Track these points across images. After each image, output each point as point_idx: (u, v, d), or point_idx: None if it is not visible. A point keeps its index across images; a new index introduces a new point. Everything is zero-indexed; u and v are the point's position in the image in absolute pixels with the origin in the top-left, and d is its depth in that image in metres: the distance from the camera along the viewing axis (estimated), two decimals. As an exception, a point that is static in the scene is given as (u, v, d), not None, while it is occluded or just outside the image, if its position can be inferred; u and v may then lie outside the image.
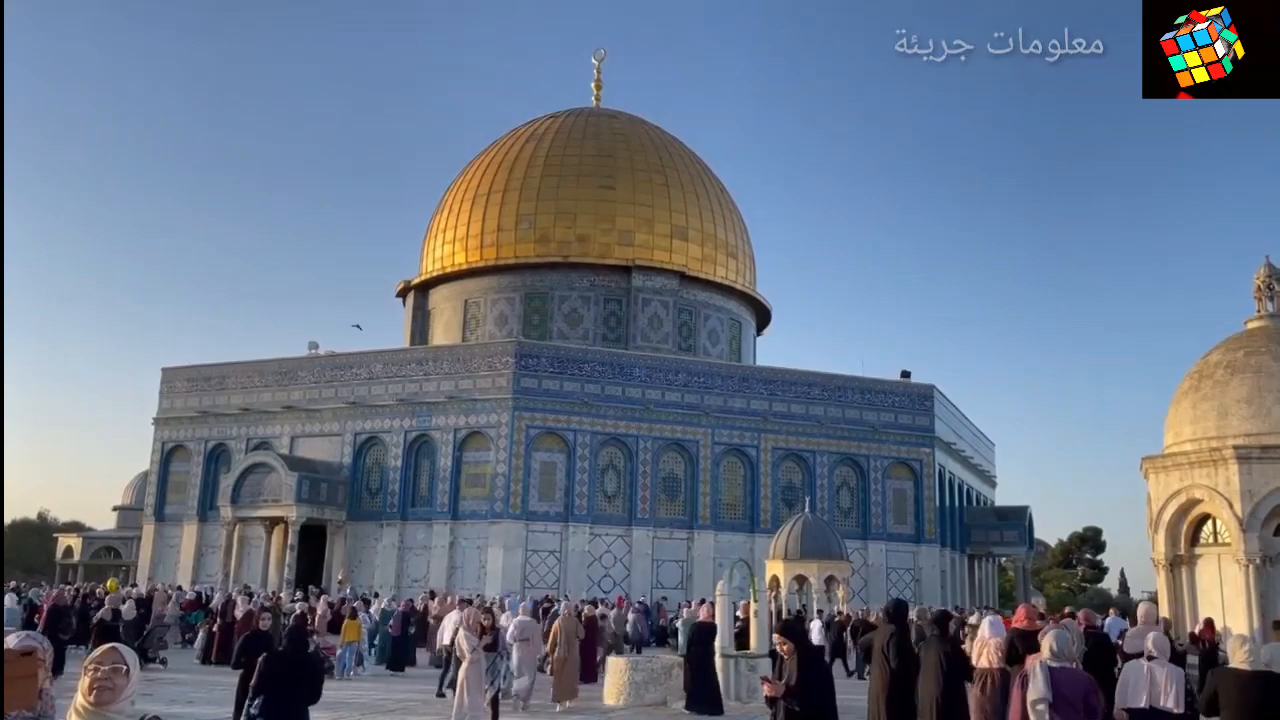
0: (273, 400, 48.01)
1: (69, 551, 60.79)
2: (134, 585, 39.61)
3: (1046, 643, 7.51)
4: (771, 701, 7.40)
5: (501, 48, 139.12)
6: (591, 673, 20.92)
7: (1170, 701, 8.09)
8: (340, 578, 42.05)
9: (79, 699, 3.59)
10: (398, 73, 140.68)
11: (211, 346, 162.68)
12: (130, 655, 3.74)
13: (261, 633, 15.73)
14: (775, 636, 7.52)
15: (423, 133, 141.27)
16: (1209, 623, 16.91)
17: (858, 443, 48.15)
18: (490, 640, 14.44)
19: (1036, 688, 7.13)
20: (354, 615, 23.08)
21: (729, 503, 46.18)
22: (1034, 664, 7.50)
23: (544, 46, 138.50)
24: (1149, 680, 8.28)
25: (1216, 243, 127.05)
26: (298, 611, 21.65)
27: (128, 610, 24.64)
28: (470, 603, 23.15)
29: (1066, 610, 22.16)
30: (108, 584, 35.63)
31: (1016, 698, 7.68)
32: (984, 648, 11.21)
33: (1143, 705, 8.16)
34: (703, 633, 17.22)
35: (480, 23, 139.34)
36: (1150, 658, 8.43)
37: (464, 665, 12.94)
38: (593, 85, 62.81)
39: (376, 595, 33.96)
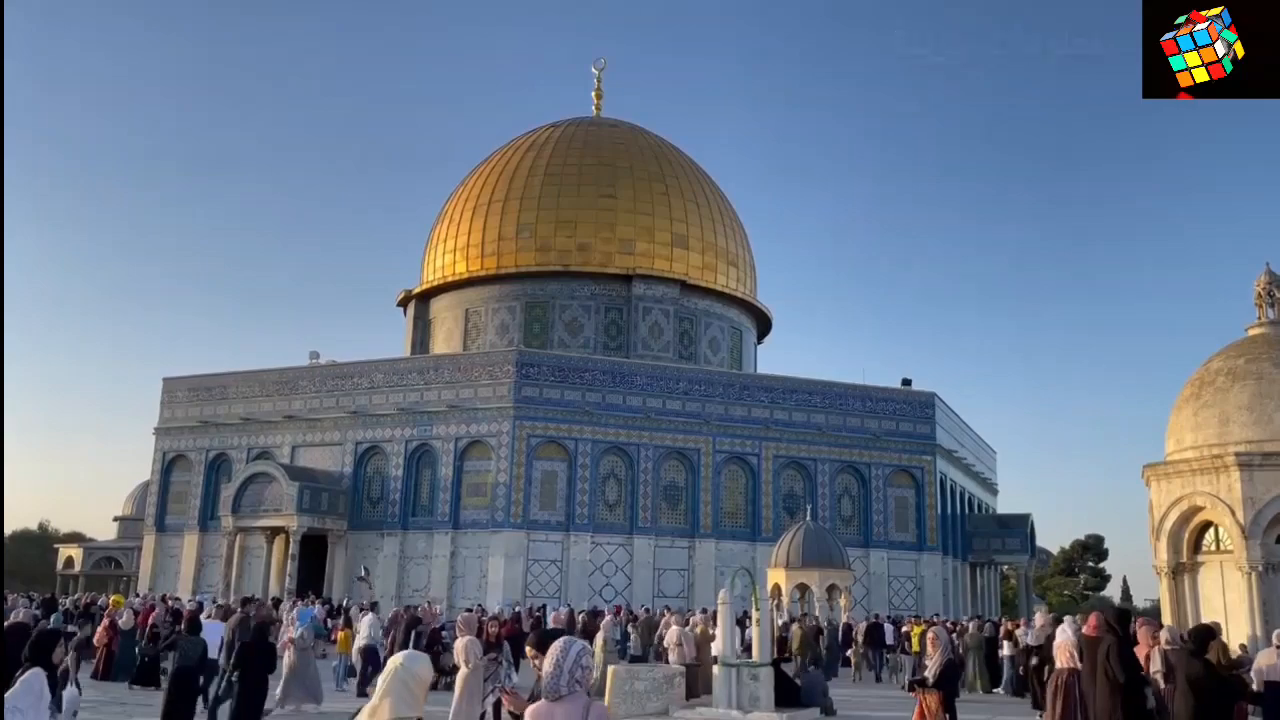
0: (274, 410, 48.00)
1: (69, 562, 60.71)
2: (136, 595, 39.43)
3: (1163, 635, 12.04)
4: (515, 717, 6.40)
5: (502, 57, 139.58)
6: None
7: None
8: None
9: None
10: (399, 83, 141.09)
11: (213, 356, 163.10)
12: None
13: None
14: (528, 649, 6.43)
15: (424, 142, 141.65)
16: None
17: (859, 450, 48.06)
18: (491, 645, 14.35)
19: (1155, 662, 11.47)
20: (348, 625, 22.85)
21: (730, 511, 46.08)
22: (1154, 648, 11.66)
23: (544, 56, 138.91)
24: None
25: (1218, 247, 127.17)
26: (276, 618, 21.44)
27: (125, 621, 24.42)
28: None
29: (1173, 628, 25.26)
30: (112, 600, 34.28)
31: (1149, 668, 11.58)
32: (1061, 650, 12.15)
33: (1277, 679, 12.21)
34: (553, 636, 18.16)
35: (481, 33, 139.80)
36: (1278, 646, 12.73)
37: (461, 671, 12.80)
38: (593, 94, 63.02)
39: (375, 606, 33.37)
